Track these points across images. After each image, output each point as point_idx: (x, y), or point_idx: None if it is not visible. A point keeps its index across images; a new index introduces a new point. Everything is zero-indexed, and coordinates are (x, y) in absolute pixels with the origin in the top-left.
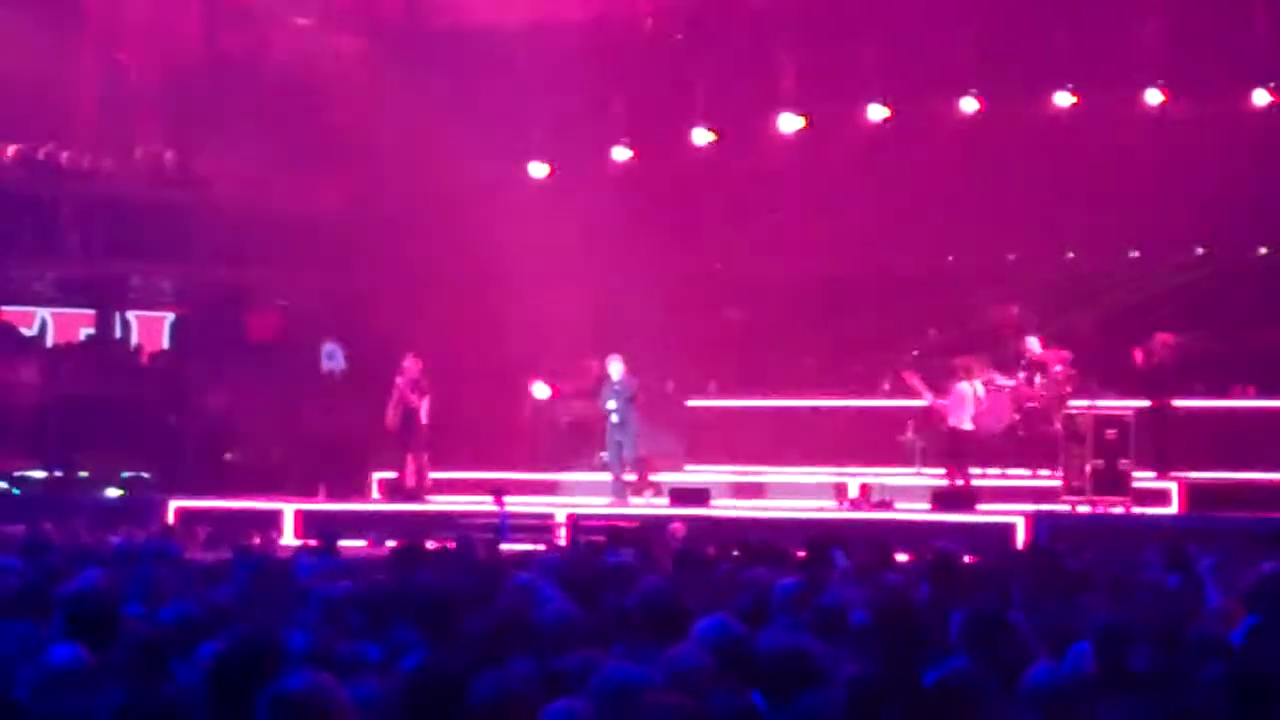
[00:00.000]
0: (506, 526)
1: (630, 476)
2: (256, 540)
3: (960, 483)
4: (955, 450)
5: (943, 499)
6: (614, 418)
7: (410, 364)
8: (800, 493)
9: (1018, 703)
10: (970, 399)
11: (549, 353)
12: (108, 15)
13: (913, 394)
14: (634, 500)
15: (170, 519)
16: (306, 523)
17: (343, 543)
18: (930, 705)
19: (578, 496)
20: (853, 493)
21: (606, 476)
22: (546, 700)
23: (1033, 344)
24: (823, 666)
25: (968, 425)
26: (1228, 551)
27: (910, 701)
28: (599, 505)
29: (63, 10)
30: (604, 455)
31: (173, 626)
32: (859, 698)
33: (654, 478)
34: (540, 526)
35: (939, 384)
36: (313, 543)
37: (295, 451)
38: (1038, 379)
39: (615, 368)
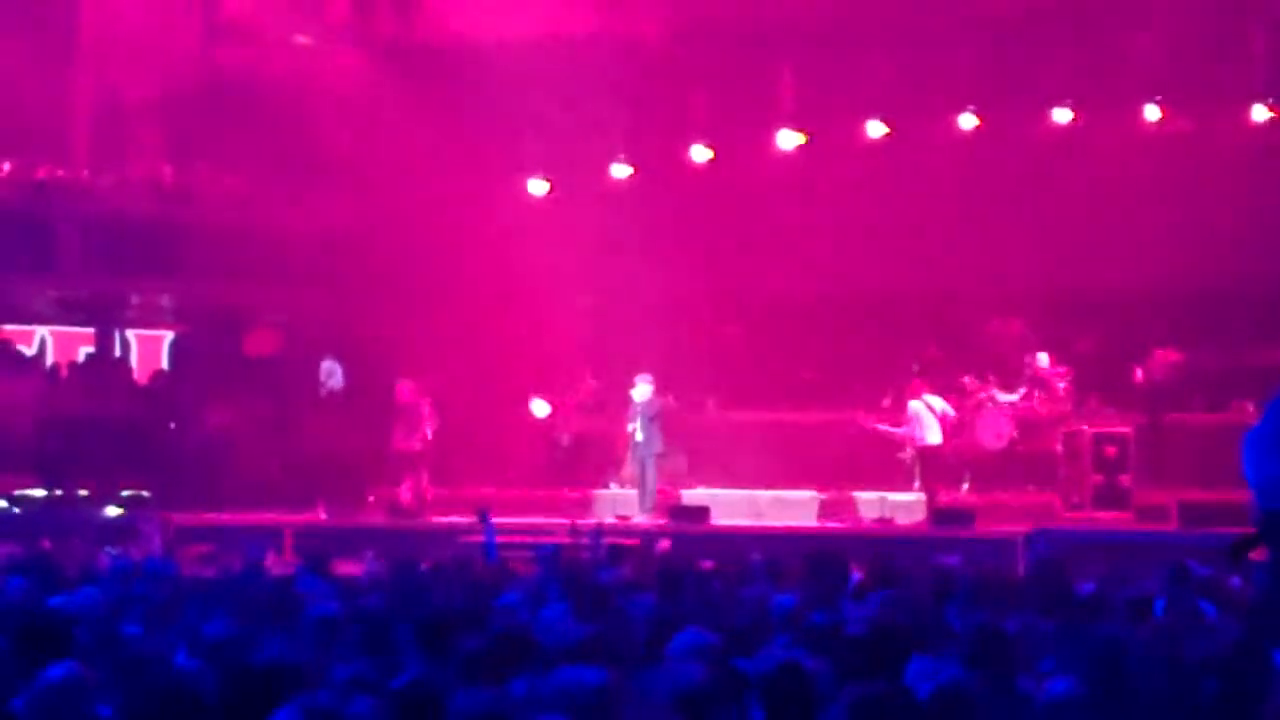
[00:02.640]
0: (493, 545)
1: (628, 490)
2: (255, 558)
3: (944, 500)
4: (927, 469)
5: (942, 517)
6: (637, 435)
7: (405, 388)
8: (793, 510)
9: (1021, 717)
10: (924, 414)
11: (548, 369)
12: (104, 33)
13: (882, 438)
14: (636, 519)
15: (169, 537)
16: (306, 540)
17: (341, 561)
18: (921, 717)
19: (591, 514)
20: (849, 510)
21: (615, 492)
22: (535, 717)
23: (1042, 359)
24: (821, 684)
25: (934, 440)
26: (1225, 568)
27: (908, 716)
28: (601, 521)
29: (59, 28)
30: (622, 476)
31: (173, 646)
32: (859, 715)
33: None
34: (537, 544)
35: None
36: (314, 561)
37: (294, 469)
38: (1037, 396)
39: (640, 390)
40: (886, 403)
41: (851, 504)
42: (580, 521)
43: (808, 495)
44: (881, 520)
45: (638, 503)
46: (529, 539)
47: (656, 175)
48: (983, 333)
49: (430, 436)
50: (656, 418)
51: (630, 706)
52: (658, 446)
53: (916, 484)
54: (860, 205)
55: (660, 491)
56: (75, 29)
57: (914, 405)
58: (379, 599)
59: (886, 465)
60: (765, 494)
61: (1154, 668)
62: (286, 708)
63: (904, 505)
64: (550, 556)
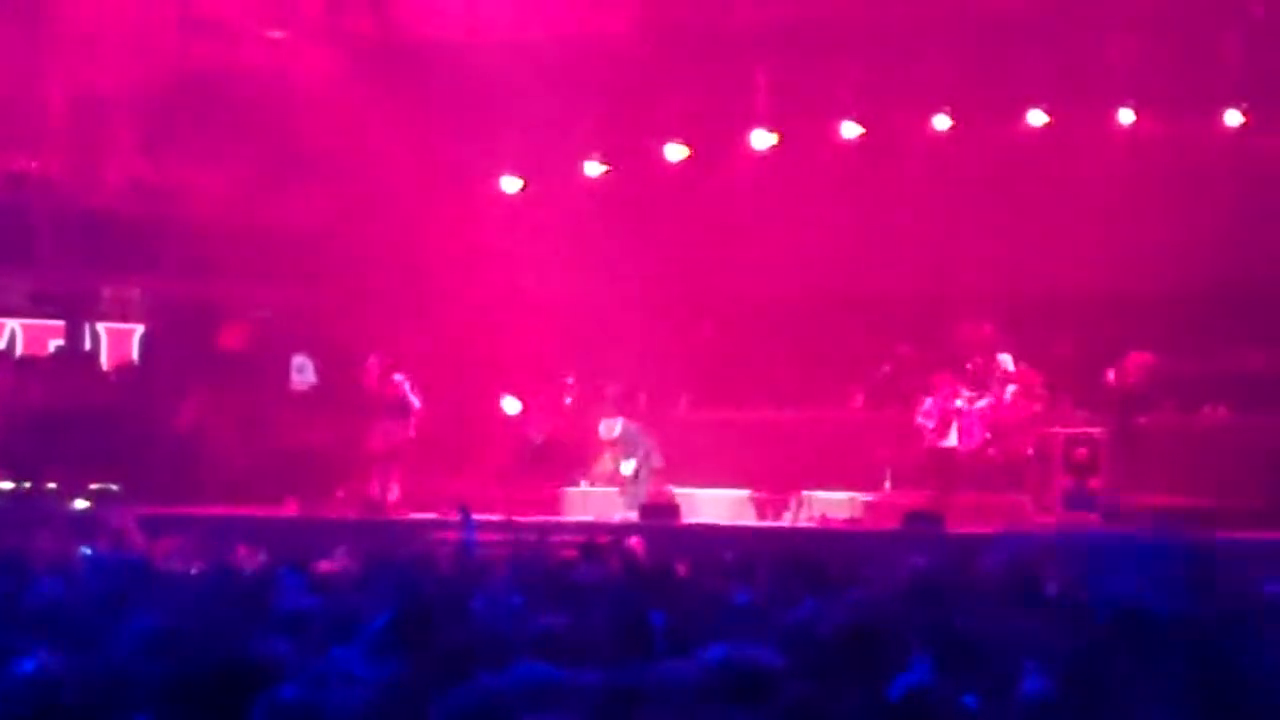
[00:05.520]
0: (473, 541)
1: (599, 489)
2: (224, 553)
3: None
4: (941, 471)
5: (912, 518)
6: (627, 468)
7: (375, 364)
8: (734, 509)
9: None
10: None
11: (521, 366)
12: (80, 27)
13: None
14: (618, 516)
15: (138, 531)
16: (277, 535)
17: (313, 556)
18: (891, 718)
19: (570, 512)
20: (813, 511)
21: (586, 490)
22: (516, 716)
23: (1005, 361)
24: (781, 683)
25: (951, 442)
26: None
27: (871, 716)
28: (572, 519)
29: (35, 22)
30: (594, 474)
31: (145, 639)
32: (806, 714)
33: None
34: (509, 541)
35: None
36: (285, 556)
37: (264, 464)
38: (1008, 399)
39: (609, 428)
40: (857, 403)
41: (783, 504)
42: (517, 517)
43: (750, 494)
44: (852, 520)
45: (622, 501)
46: (498, 536)
47: (630, 173)
48: (954, 334)
49: (412, 431)
50: (631, 444)
51: (614, 704)
52: (656, 461)
53: (887, 484)
54: (833, 206)
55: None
56: (50, 23)
57: (958, 404)
58: (353, 594)
59: (856, 465)
60: (704, 493)
61: (1125, 669)
62: (261, 701)
63: (872, 505)
64: (522, 554)
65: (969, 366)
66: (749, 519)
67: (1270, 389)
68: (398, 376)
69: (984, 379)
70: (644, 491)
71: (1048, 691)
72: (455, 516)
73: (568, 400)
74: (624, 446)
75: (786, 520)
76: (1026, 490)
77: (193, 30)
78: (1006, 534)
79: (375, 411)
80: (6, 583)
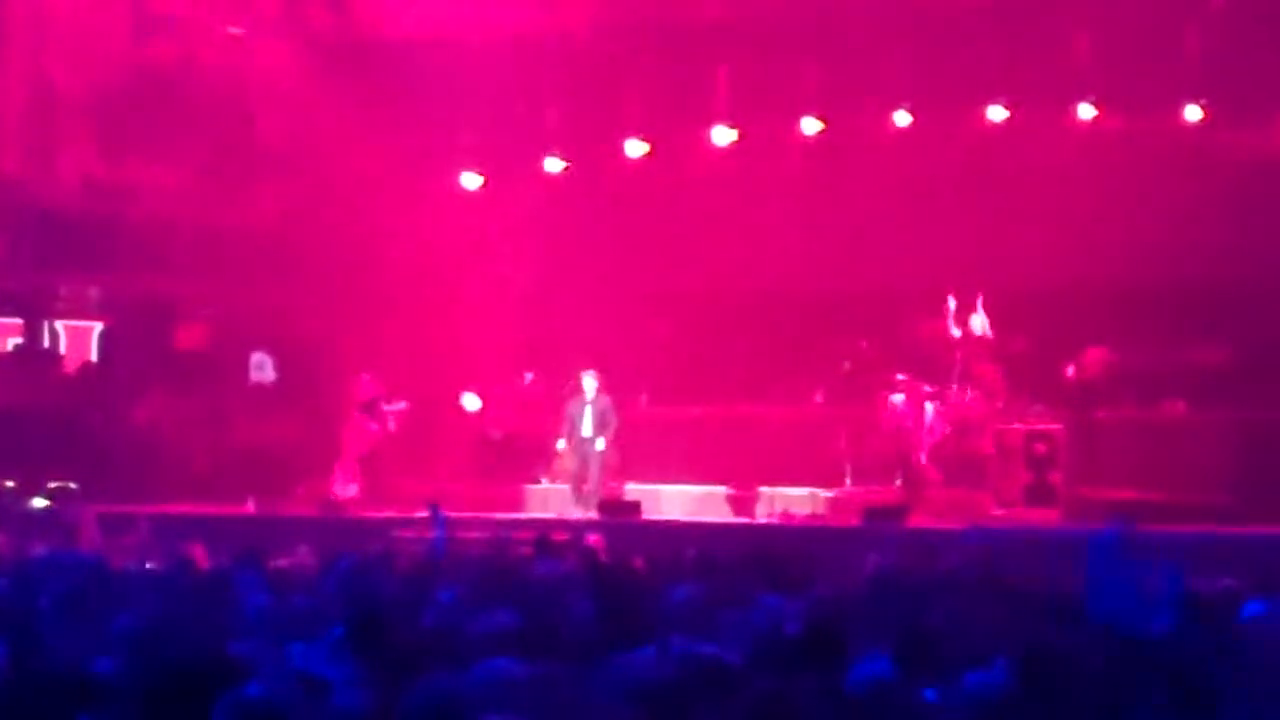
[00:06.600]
0: (443, 539)
1: (559, 486)
2: (183, 550)
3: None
4: (906, 467)
5: (874, 513)
6: (585, 431)
7: (365, 382)
8: (701, 506)
9: (947, 712)
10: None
11: (480, 364)
12: (34, 23)
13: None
14: (576, 514)
15: (97, 529)
16: (236, 534)
17: (272, 555)
18: (852, 712)
19: (531, 510)
20: (774, 507)
21: (547, 487)
22: (478, 713)
23: (977, 321)
24: (743, 678)
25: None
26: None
27: (831, 710)
28: (531, 517)
29: None
30: (554, 471)
31: (100, 638)
32: (766, 709)
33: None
34: (468, 539)
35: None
36: (245, 554)
37: (224, 462)
38: (969, 394)
39: (590, 384)
40: (818, 399)
41: (754, 500)
42: (479, 514)
43: (710, 490)
44: (813, 516)
45: (574, 498)
46: (456, 534)
47: (590, 170)
48: (915, 330)
49: (392, 429)
50: (605, 413)
51: (576, 701)
52: (604, 443)
53: (847, 480)
54: (794, 202)
55: (605, 487)
56: (5, 21)
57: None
58: (311, 591)
59: (817, 461)
60: (665, 489)
61: (1084, 666)
62: (226, 699)
63: (832, 500)
64: (481, 551)
65: (954, 355)
66: (710, 515)
67: (1229, 384)
68: (365, 377)
69: (944, 374)
70: (598, 472)
71: (1007, 685)
72: (416, 514)
73: (531, 396)
74: (597, 408)
75: (760, 516)
76: (987, 485)
77: (150, 27)
78: (969, 529)
79: (350, 411)
80: None
